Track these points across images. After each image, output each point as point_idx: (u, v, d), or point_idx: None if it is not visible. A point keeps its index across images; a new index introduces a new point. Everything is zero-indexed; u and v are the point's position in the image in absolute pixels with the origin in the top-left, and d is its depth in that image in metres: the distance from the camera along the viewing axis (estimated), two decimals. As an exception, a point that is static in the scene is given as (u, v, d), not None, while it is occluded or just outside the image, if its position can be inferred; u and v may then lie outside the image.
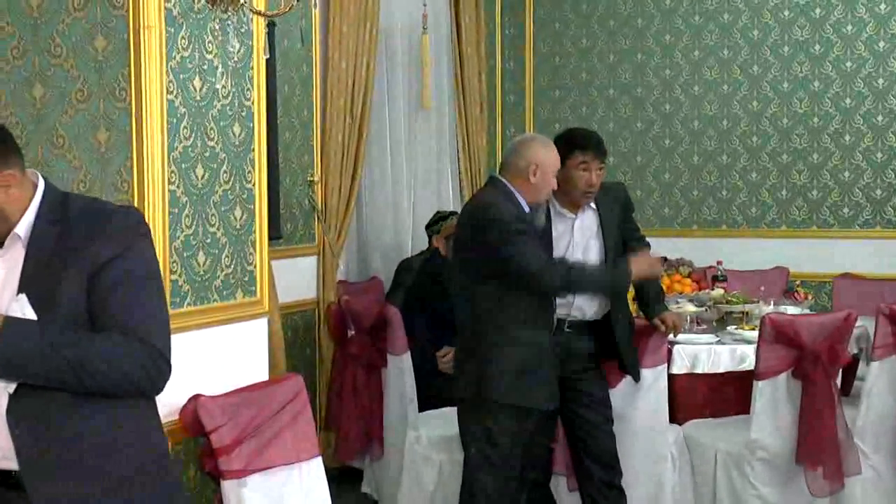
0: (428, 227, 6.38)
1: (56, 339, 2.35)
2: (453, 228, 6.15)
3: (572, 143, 4.53)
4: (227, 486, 3.40)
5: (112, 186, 3.39)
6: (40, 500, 2.41)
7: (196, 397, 3.40)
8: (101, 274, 2.40)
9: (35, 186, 2.49)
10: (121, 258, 2.43)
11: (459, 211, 6.69)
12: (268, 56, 3.83)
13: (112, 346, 2.40)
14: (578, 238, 4.58)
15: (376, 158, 6.77)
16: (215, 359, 3.66)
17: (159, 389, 2.53)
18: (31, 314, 2.38)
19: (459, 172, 7.43)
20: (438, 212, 6.51)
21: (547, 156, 4.31)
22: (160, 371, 2.47)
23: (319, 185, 6.16)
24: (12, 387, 2.38)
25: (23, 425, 2.39)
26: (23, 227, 2.45)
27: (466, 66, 7.38)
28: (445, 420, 5.21)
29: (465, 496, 4.37)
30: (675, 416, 5.13)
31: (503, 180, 4.34)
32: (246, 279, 3.78)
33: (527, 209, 4.29)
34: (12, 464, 2.42)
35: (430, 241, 6.34)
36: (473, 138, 7.47)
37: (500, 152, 7.86)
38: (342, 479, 5.67)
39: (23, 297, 2.40)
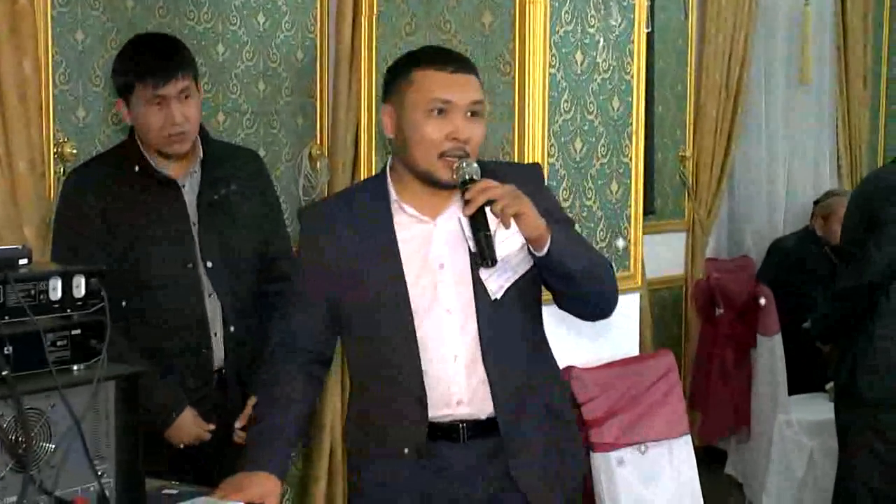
0: (815, 202, 6.17)
1: (577, 241, 2.55)
2: (825, 209, 5.92)
3: None
4: (598, 458, 3.44)
5: (493, 159, 3.46)
6: (513, 445, 2.49)
7: (570, 368, 3.45)
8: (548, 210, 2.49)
9: None
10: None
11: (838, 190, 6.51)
12: (649, 29, 3.80)
13: (599, 257, 2.60)
14: None
15: (751, 134, 6.57)
16: (587, 331, 3.68)
17: (612, 312, 2.63)
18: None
19: (838, 150, 7.11)
20: (831, 190, 6.27)
21: None
22: (617, 293, 2.59)
23: (691, 161, 6.08)
24: (500, 293, 2.45)
25: (495, 370, 2.47)
26: None
27: (850, 39, 7.03)
28: (817, 404, 5.04)
29: (843, 489, 4.14)
30: None
31: None
32: (620, 253, 3.79)
33: None
34: (476, 412, 2.50)
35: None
36: (855, 114, 7.12)
37: (884, 129, 7.44)
38: (706, 460, 5.59)
39: None
